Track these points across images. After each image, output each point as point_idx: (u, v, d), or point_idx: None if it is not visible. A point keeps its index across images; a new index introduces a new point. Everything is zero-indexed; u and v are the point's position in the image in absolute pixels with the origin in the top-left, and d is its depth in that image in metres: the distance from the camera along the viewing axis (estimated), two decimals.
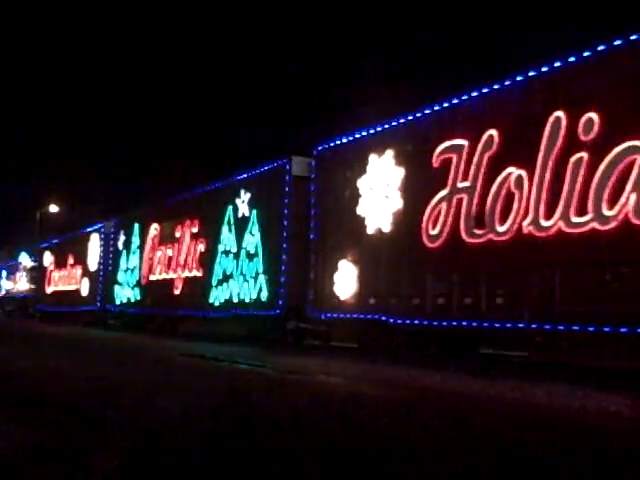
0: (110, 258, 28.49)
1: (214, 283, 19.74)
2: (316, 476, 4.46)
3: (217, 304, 19.55)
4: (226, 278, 19.14)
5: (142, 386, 8.53)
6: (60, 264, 34.92)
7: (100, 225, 29.88)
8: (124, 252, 27.05)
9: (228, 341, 18.81)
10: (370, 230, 13.80)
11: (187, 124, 58.55)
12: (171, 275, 22.61)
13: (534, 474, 4.55)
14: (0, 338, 20.52)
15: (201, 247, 20.83)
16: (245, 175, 18.85)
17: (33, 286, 41.31)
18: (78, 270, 31.91)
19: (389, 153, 13.47)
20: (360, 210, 14.07)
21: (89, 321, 30.58)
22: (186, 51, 61.33)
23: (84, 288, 30.86)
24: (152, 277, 24.19)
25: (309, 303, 15.56)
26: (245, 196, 18.61)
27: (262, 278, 17.47)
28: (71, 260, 33.15)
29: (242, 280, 18.32)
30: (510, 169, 10.72)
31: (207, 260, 20.34)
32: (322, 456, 4.89)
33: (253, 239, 18.03)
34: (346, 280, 14.40)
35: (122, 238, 27.44)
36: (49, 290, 36.55)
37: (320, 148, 15.58)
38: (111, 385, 8.51)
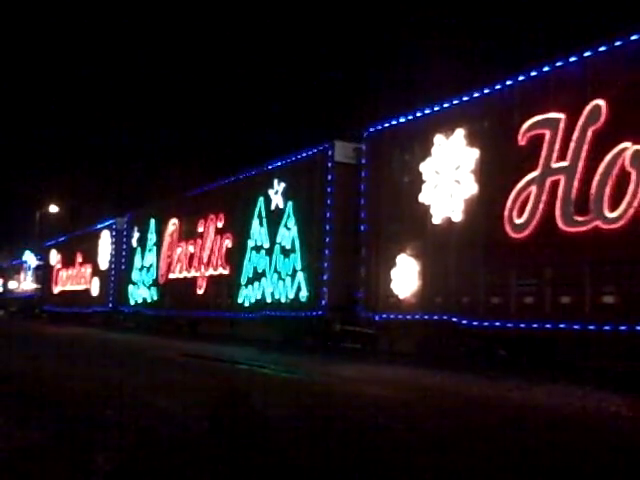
0: (123, 256, 26.87)
1: (243, 282, 18.11)
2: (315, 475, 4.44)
3: (247, 305, 17.92)
4: (257, 276, 17.51)
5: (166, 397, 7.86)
6: (68, 263, 33.28)
7: (111, 221, 28.24)
8: (138, 249, 25.44)
9: (261, 345, 17.20)
10: (436, 219, 12.18)
11: (201, 113, 56.34)
12: (193, 273, 20.97)
13: (534, 474, 4.50)
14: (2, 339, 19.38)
15: (228, 243, 19.19)
16: (279, 163, 17.22)
17: (38, 286, 39.68)
18: (88, 269, 30.27)
19: (459, 132, 11.85)
20: (423, 197, 12.45)
21: (100, 322, 28.98)
22: (206, 36, 59.11)
23: (94, 288, 29.21)
24: (171, 276, 22.55)
25: (359, 303, 13.94)
26: (279, 186, 17.00)
27: (300, 276, 15.85)
28: (80, 258, 31.51)
29: (276, 278, 16.69)
30: (624, 144, 9.09)
31: (235, 257, 18.72)
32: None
33: (289, 233, 16.41)
34: (406, 277, 12.78)
35: (136, 235, 25.82)
36: (56, 290, 34.90)
37: (372, 130, 13.95)
38: (120, 387, 8.18)
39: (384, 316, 13.41)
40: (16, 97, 65.78)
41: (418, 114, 12.82)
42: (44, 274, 37.73)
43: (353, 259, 14.91)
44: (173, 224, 22.78)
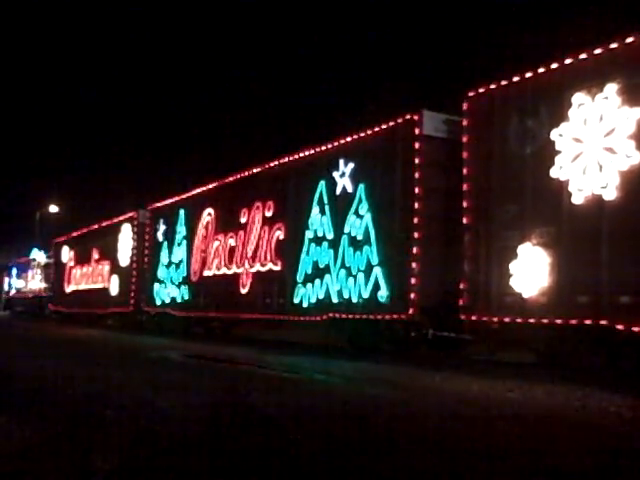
0: (146, 251, 24.40)
1: (300, 279, 15.63)
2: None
3: (305, 305, 15.43)
4: (319, 273, 15.03)
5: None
6: (82, 260, 30.80)
7: (132, 214, 25.76)
8: (165, 244, 22.96)
9: (325, 352, 14.76)
10: (577, 199, 9.71)
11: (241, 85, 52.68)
12: (234, 270, 18.47)
13: (534, 474, 4.45)
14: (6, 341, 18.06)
15: (279, 234, 16.70)
16: (348, 139, 14.73)
17: (48, 285, 37.22)
18: (105, 266, 27.78)
19: (611, 88, 9.39)
20: (557, 172, 10.00)
21: (120, 324, 26.51)
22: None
23: (113, 286, 26.73)
24: (206, 273, 20.05)
25: (463, 304, 11.46)
26: (346, 167, 14.53)
27: (378, 271, 13.38)
28: (96, 255, 29.03)
29: (345, 274, 14.22)
30: None
31: (289, 250, 16.23)
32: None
33: (361, 222, 13.94)
34: (532, 271, 10.31)
35: (162, 228, 23.35)
36: (68, 289, 32.44)
37: (480, 91, 11.47)
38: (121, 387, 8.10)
39: (495, 319, 10.94)
40: (16, 97, 63.46)
41: (550, 67, 10.34)
42: (55, 272, 35.29)
43: (445, 251, 12.58)
44: (208, 214, 20.29)
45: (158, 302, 23.14)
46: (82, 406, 6.67)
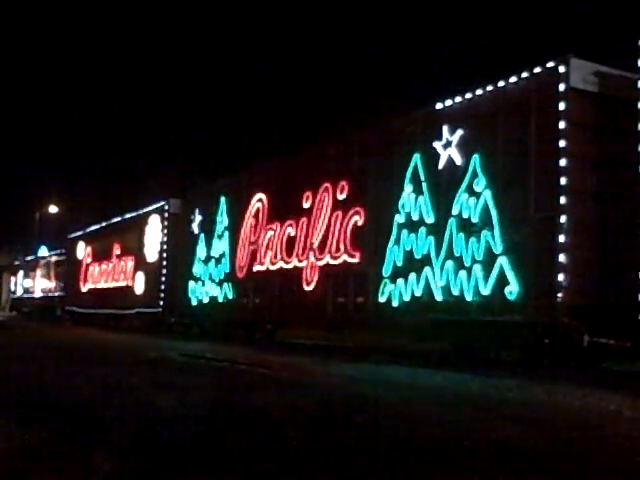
0: (179, 245, 21.69)
1: (386, 273, 12.92)
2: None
3: (395, 304, 12.70)
4: (414, 265, 12.32)
5: None
6: (101, 256, 28.11)
7: (162, 203, 23.02)
8: (202, 236, 20.24)
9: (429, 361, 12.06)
10: None
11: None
12: (295, 263, 15.75)
13: (535, 473, 4.38)
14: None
15: (357, 220, 13.97)
16: (456, 100, 12.01)
17: (60, 284, 34.49)
18: (129, 262, 25.06)
19: None
20: None
21: (146, 326, 23.76)
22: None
23: (138, 285, 24.01)
24: (257, 267, 17.32)
25: None
26: (453, 135, 11.85)
27: (504, 262, 10.67)
28: (118, 250, 26.33)
29: (453, 267, 11.51)
30: None
31: (371, 239, 13.54)
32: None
33: (476, 201, 11.24)
34: None
35: (198, 218, 20.64)
36: (84, 288, 29.72)
37: None
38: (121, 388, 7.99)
39: None
40: (16, 96, 60.83)
41: None
42: (68, 270, 32.57)
43: (600, 237, 9.95)
44: (258, 200, 17.55)
45: (194, 302, 20.41)
46: (82, 406, 6.60)
